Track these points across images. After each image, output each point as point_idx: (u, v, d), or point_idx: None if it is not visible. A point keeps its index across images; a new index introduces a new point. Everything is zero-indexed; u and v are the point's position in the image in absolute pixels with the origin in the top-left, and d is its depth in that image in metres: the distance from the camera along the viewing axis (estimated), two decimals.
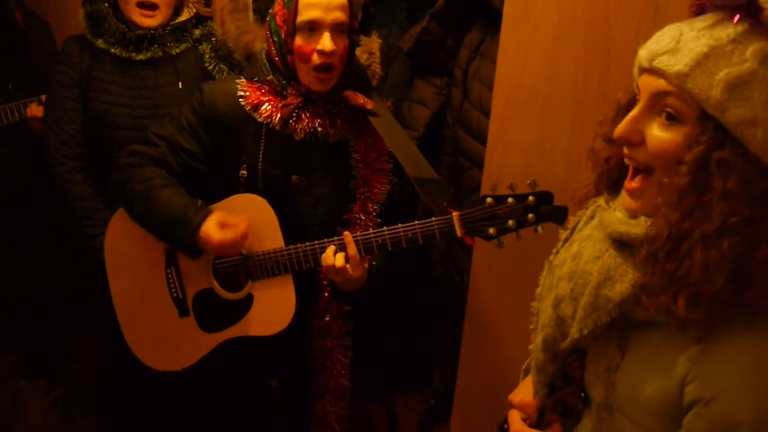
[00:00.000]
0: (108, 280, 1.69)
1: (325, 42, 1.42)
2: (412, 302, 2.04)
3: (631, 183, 0.88)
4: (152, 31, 1.86)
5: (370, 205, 1.59)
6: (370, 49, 1.96)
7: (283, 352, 1.69)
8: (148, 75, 1.89)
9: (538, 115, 1.53)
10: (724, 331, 0.80)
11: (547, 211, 1.33)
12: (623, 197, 0.91)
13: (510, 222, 1.35)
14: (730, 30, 0.78)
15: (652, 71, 0.82)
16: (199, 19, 2.01)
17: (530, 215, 1.34)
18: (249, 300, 1.58)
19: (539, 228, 1.35)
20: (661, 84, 0.81)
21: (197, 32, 1.97)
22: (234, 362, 1.72)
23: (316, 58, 1.44)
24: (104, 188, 1.91)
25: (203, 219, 1.51)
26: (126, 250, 1.67)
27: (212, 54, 1.95)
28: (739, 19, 0.78)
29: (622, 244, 0.90)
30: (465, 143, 1.84)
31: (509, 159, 1.60)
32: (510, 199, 1.34)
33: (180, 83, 1.90)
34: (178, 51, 1.91)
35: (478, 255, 1.71)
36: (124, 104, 1.88)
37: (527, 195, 1.33)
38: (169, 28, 1.90)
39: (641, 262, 0.85)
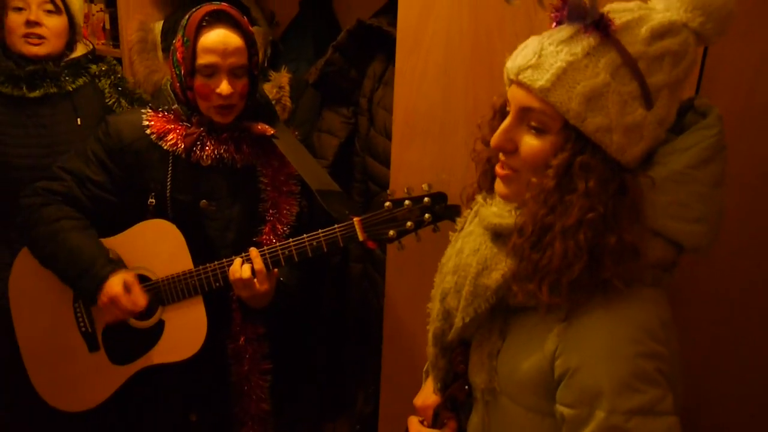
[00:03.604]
0: (13, 324, 1.64)
1: (223, 87, 1.47)
2: (332, 325, 2.06)
3: (502, 170, 0.94)
4: (44, 66, 1.83)
5: (280, 227, 1.62)
6: (279, 83, 2.03)
7: (201, 382, 1.67)
8: (44, 113, 1.86)
9: (435, 137, 1.62)
10: (584, 308, 0.87)
11: (441, 209, 1.42)
12: (497, 184, 0.97)
13: (408, 223, 1.42)
14: (584, 43, 0.84)
15: (519, 83, 0.88)
16: (95, 56, 2.01)
17: (427, 215, 1.42)
18: (160, 326, 1.56)
19: (437, 227, 1.43)
20: (527, 98, 0.87)
21: (94, 68, 1.96)
22: (151, 400, 1.69)
23: (215, 99, 1.49)
24: (3, 232, 1.84)
25: (109, 274, 1.51)
26: (32, 288, 1.63)
27: (112, 89, 1.96)
28: (590, 33, 0.83)
29: (496, 235, 0.97)
30: (373, 169, 1.91)
31: (412, 179, 1.67)
32: (407, 202, 1.42)
33: (78, 119, 1.88)
34: (74, 87, 1.89)
35: (390, 272, 1.76)
36: (20, 144, 1.84)
37: (423, 196, 1.42)
38: (63, 63, 1.88)
39: (510, 251, 0.92)
